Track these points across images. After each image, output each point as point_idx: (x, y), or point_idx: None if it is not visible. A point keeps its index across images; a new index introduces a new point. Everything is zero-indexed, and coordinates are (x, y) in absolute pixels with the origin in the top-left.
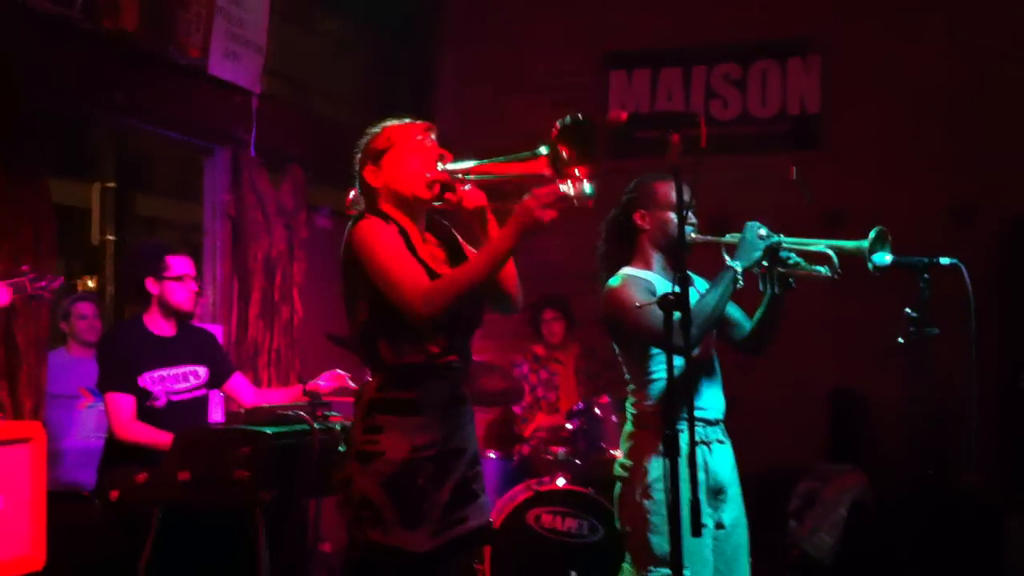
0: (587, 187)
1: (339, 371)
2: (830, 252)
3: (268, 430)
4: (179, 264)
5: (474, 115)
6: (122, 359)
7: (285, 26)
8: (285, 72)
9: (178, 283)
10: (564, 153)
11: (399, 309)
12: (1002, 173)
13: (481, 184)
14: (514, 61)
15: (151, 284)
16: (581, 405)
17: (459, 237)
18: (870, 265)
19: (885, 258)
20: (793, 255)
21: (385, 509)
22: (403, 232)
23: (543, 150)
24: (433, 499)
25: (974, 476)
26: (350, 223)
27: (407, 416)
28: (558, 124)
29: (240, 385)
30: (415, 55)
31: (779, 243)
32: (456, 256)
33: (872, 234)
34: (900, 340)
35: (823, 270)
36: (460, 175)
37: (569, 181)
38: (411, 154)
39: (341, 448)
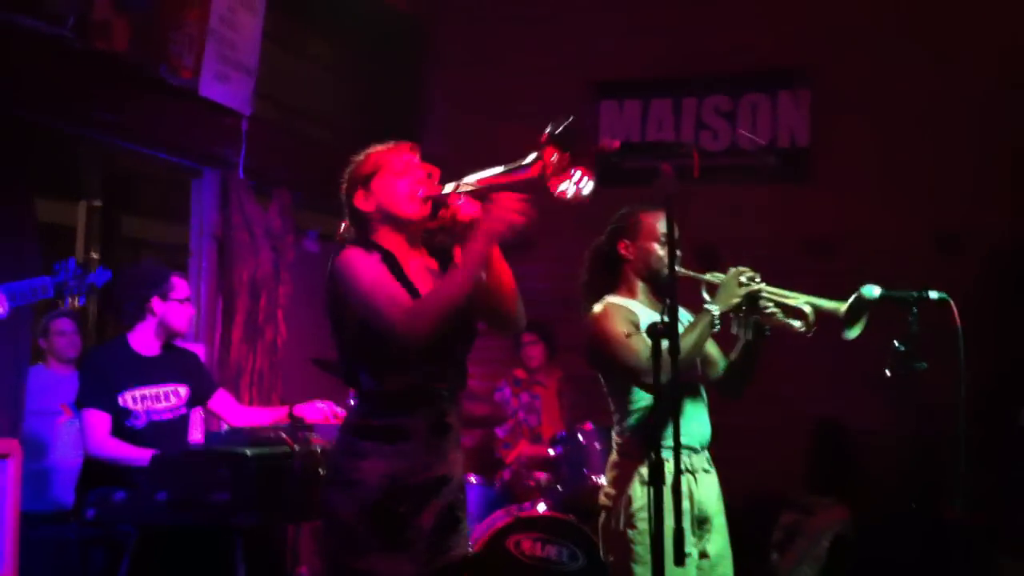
0: (586, 189)
1: (328, 403)
2: (807, 308)
3: (248, 452)
4: (182, 286)
5: (463, 141)
6: (102, 376)
7: (276, 50)
8: (276, 96)
9: (180, 305)
10: (556, 156)
11: (383, 336)
12: (990, 202)
13: (475, 195)
14: (504, 88)
15: (157, 304)
16: (564, 432)
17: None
18: (847, 333)
19: (874, 291)
20: (771, 305)
21: (365, 536)
22: (388, 256)
23: (532, 156)
24: (415, 527)
25: (959, 511)
26: (331, 257)
27: (390, 443)
28: (548, 129)
29: (225, 402)
30: (405, 81)
31: (759, 292)
32: (449, 264)
33: (852, 298)
34: (887, 373)
35: (798, 324)
36: (452, 190)
37: (565, 180)
38: (400, 174)
39: (321, 471)
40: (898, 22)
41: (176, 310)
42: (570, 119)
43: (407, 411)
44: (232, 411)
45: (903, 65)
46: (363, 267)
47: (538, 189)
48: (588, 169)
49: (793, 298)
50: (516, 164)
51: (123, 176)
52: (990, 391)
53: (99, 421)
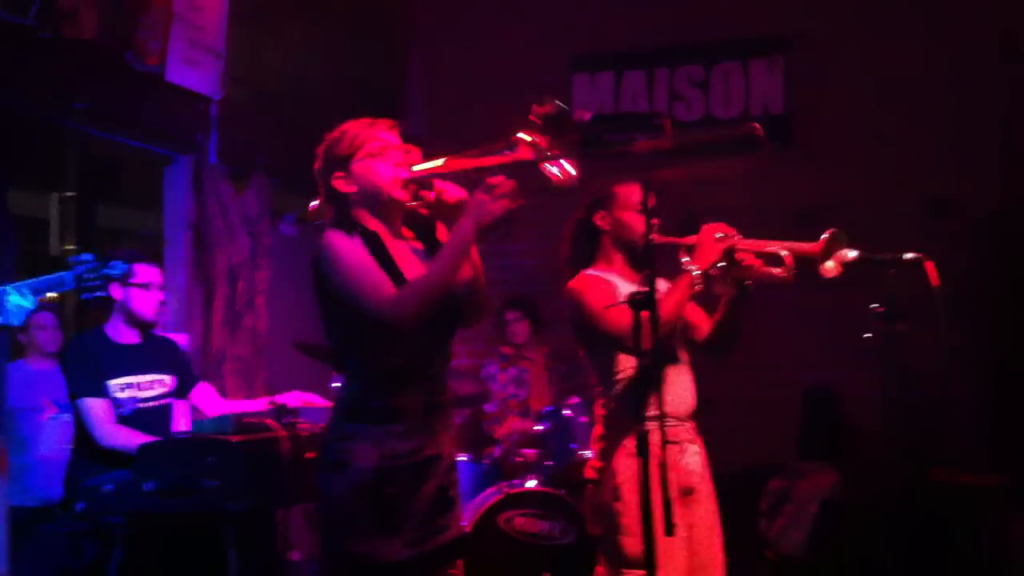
0: (572, 172)
1: (309, 395)
2: (784, 252)
3: (234, 438)
4: (145, 272)
5: (443, 118)
6: (89, 365)
7: (250, 32)
8: (250, 78)
9: (142, 291)
10: (542, 138)
11: (369, 320)
12: (979, 165)
13: (457, 176)
14: (482, 65)
15: (115, 290)
16: (551, 407)
17: (438, 225)
18: (826, 267)
19: (849, 254)
20: (749, 256)
21: (358, 518)
22: (372, 238)
23: (524, 137)
24: (408, 508)
25: (949, 471)
26: (316, 238)
27: (380, 424)
28: (536, 110)
29: (205, 395)
30: (383, 59)
31: (735, 245)
32: (434, 245)
33: (825, 236)
34: (867, 336)
35: (778, 271)
36: (435, 173)
37: (552, 164)
38: (380, 155)
39: (308, 455)
40: None
41: (137, 296)
42: (557, 101)
43: (398, 391)
44: (212, 403)
45: (882, 27)
46: (345, 252)
47: (524, 172)
48: (573, 151)
49: (769, 245)
50: (501, 146)
51: (97, 165)
52: (986, 350)
53: (103, 409)
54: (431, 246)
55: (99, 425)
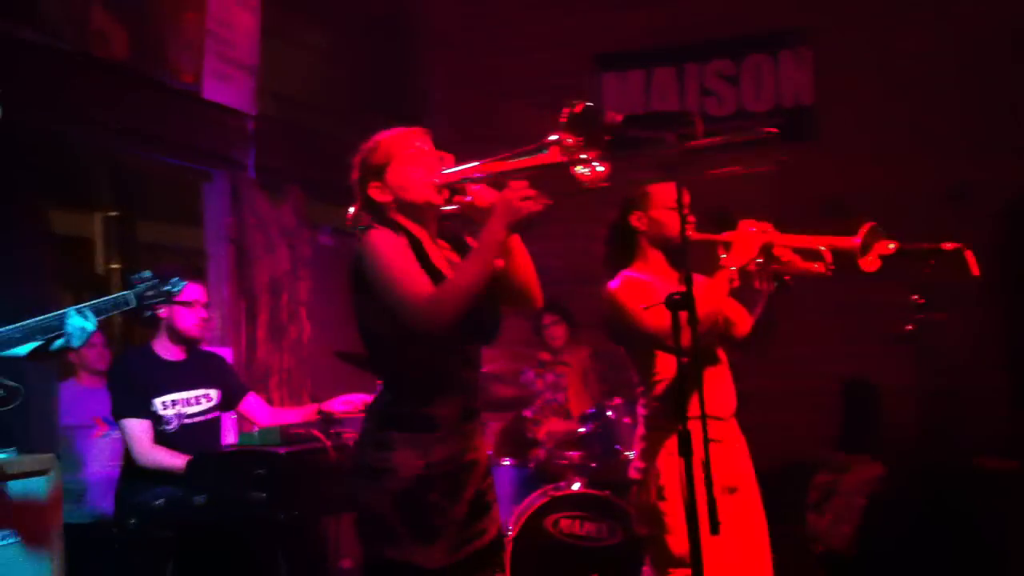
0: (603, 173)
1: (355, 395)
2: (822, 247)
3: (282, 450)
4: (190, 290)
5: (468, 120)
6: (133, 384)
7: (278, 45)
8: (279, 91)
9: (187, 308)
10: (573, 140)
11: (405, 320)
12: (999, 153)
13: (491, 179)
14: (506, 65)
15: (161, 308)
16: (593, 409)
17: (469, 239)
18: (866, 260)
19: (888, 246)
20: (787, 252)
21: (397, 525)
22: (415, 240)
23: (553, 138)
24: (448, 514)
25: (988, 458)
26: (358, 236)
27: (419, 432)
28: (567, 112)
29: (255, 405)
30: (406, 63)
31: (773, 241)
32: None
33: (863, 230)
34: (907, 328)
35: (816, 266)
36: (468, 177)
37: (584, 165)
38: (414, 163)
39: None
40: None
41: (181, 313)
42: (588, 103)
43: (436, 398)
44: (262, 413)
45: (905, 17)
46: (390, 249)
47: (555, 174)
48: (604, 153)
49: (807, 240)
50: (532, 149)
51: (137, 183)
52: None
53: (142, 430)
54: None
55: (138, 445)
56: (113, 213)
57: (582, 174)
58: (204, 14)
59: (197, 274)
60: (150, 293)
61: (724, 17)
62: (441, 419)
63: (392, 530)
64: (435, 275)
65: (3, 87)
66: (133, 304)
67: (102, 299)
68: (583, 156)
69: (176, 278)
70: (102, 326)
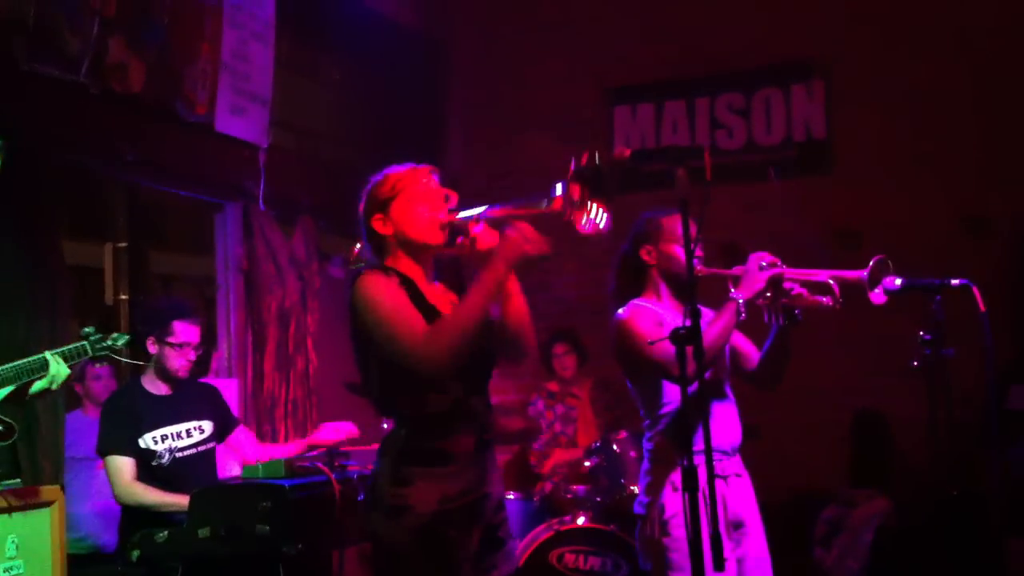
0: (602, 222)
1: (341, 423)
2: (831, 282)
3: (286, 483)
4: (184, 331)
5: (483, 154)
6: (120, 421)
7: (290, 76)
8: (293, 123)
9: (176, 350)
10: (578, 191)
11: (401, 361)
12: (1014, 183)
13: (493, 224)
14: (520, 99)
15: (151, 344)
16: (599, 443)
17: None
18: (874, 293)
19: (895, 282)
20: (796, 286)
21: (417, 562)
22: (407, 281)
23: (559, 189)
24: (463, 548)
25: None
26: (350, 281)
27: (436, 466)
28: (573, 163)
29: (243, 439)
30: (421, 99)
31: (781, 274)
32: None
33: (872, 264)
34: (915, 364)
35: (825, 300)
36: (472, 219)
37: (584, 215)
38: (419, 200)
39: (360, 497)
40: (911, 6)
41: (170, 355)
42: (595, 155)
43: (448, 433)
44: (249, 447)
45: (917, 48)
46: (382, 292)
47: (557, 221)
48: (606, 203)
49: (815, 274)
50: (538, 200)
51: (148, 213)
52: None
53: (121, 467)
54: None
55: (117, 482)
56: (123, 244)
57: (582, 224)
58: (219, 46)
59: (195, 312)
60: (99, 345)
61: (735, 50)
62: (454, 454)
63: (411, 566)
64: (429, 313)
65: (20, 122)
66: (90, 353)
67: (65, 347)
68: (586, 206)
69: (117, 334)
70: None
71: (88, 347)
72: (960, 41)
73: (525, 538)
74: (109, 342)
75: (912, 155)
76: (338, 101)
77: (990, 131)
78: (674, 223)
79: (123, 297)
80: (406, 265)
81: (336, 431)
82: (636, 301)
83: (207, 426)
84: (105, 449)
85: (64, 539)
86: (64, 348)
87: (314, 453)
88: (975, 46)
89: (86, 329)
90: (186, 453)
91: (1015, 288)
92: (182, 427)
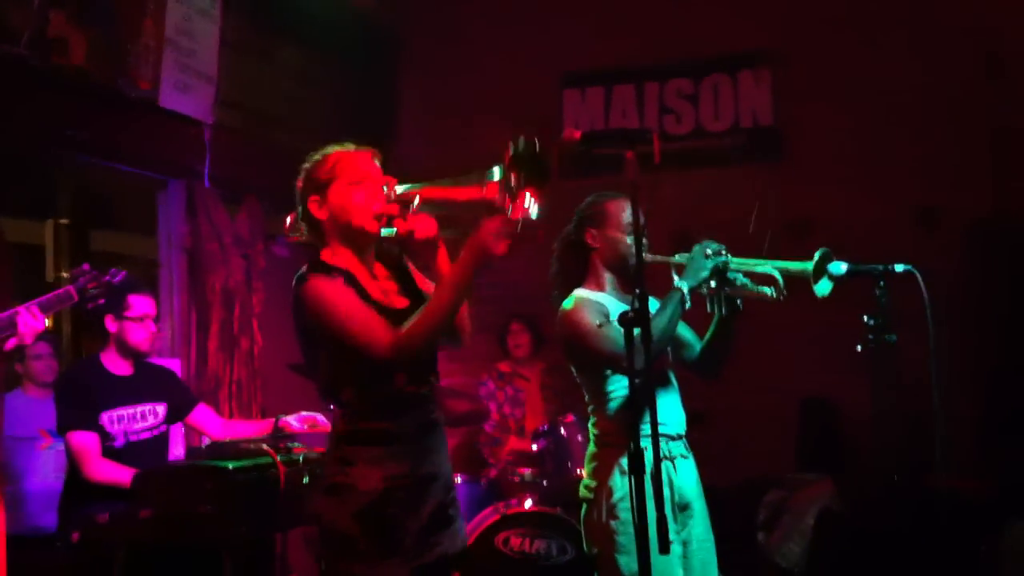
0: (533, 211)
1: (313, 414)
2: (775, 273)
3: (230, 465)
4: (140, 304)
5: (438, 139)
6: (81, 398)
7: (243, 58)
8: (244, 103)
9: (137, 323)
10: (514, 178)
11: (369, 362)
12: (965, 175)
13: (432, 213)
14: (476, 85)
15: (110, 322)
16: (546, 426)
17: (409, 263)
18: (817, 289)
19: (840, 267)
20: (740, 276)
21: (359, 541)
22: (350, 278)
23: (496, 174)
24: (407, 527)
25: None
26: (295, 285)
27: (378, 446)
28: (510, 149)
29: (205, 417)
30: (376, 83)
31: (726, 263)
32: (408, 285)
33: (817, 256)
34: (859, 348)
35: (769, 291)
36: (407, 200)
37: (516, 205)
38: (357, 186)
39: (306, 480)
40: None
41: (131, 328)
42: (533, 141)
43: (395, 415)
44: (214, 425)
45: (869, 39)
46: (332, 297)
47: (490, 207)
48: (538, 191)
49: (760, 265)
50: (474, 179)
51: (90, 190)
52: (978, 360)
53: (89, 443)
54: (404, 283)
55: (85, 460)
56: (64, 221)
57: (513, 211)
58: (163, 22)
59: (146, 286)
60: (91, 286)
61: (686, 39)
62: (398, 435)
63: (354, 545)
64: (383, 310)
65: None
66: (76, 299)
67: (46, 297)
68: (519, 193)
69: (116, 268)
70: (48, 336)
71: (75, 291)
72: (915, 33)
73: (472, 521)
74: (108, 277)
75: (863, 145)
76: (290, 83)
77: (942, 122)
78: (619, 208)
79: (64, 274)
80: (344, 257)
81: (308, 420)
82: (581, 291)
83: (160, 410)
84: (68, 426)
85: (3, 520)
86: (42, 298)
87: (262, 435)
88: (930, 37)
89: (81, 267)
90: (140, 436)
91: (963, 277)
92: (138, 409)
